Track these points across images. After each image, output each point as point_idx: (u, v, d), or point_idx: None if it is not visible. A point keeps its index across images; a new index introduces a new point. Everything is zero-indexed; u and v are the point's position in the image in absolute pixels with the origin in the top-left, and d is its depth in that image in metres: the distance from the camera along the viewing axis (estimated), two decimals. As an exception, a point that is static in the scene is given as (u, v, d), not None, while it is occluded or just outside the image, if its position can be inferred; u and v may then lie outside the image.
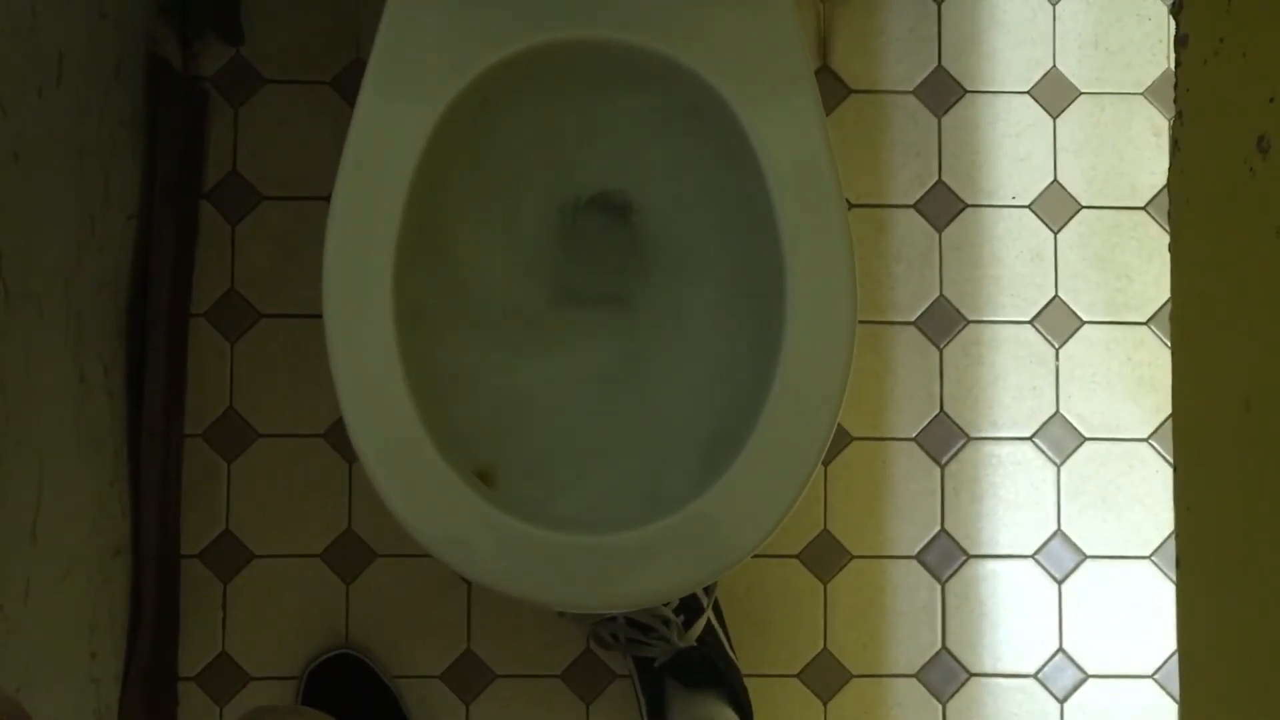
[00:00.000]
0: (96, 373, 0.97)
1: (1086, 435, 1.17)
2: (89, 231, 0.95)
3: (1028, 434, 1.17)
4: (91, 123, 0.95)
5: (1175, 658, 0.65)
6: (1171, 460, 0.69)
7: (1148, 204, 1.19)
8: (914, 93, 1.19)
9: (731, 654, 1.08)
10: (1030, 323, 1.18)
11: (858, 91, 1.19)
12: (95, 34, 0.95)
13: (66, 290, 0.91)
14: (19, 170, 0.82)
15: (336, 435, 1.13)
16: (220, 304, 1.14)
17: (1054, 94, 1.20)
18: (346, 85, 1.16)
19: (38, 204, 0.85)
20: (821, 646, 1.14)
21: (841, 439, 1.16)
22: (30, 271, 0.84)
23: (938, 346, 1.17)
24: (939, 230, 1.18)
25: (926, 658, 1.15)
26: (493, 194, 0.91)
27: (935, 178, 1.19)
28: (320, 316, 0.79)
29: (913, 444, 1.16)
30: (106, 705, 1.00)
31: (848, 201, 1.17)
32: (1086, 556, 1.16)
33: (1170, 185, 0.63)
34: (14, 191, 0.81)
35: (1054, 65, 1.20)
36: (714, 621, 1.06)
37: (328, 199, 0.81)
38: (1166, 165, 0.63)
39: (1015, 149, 1.19)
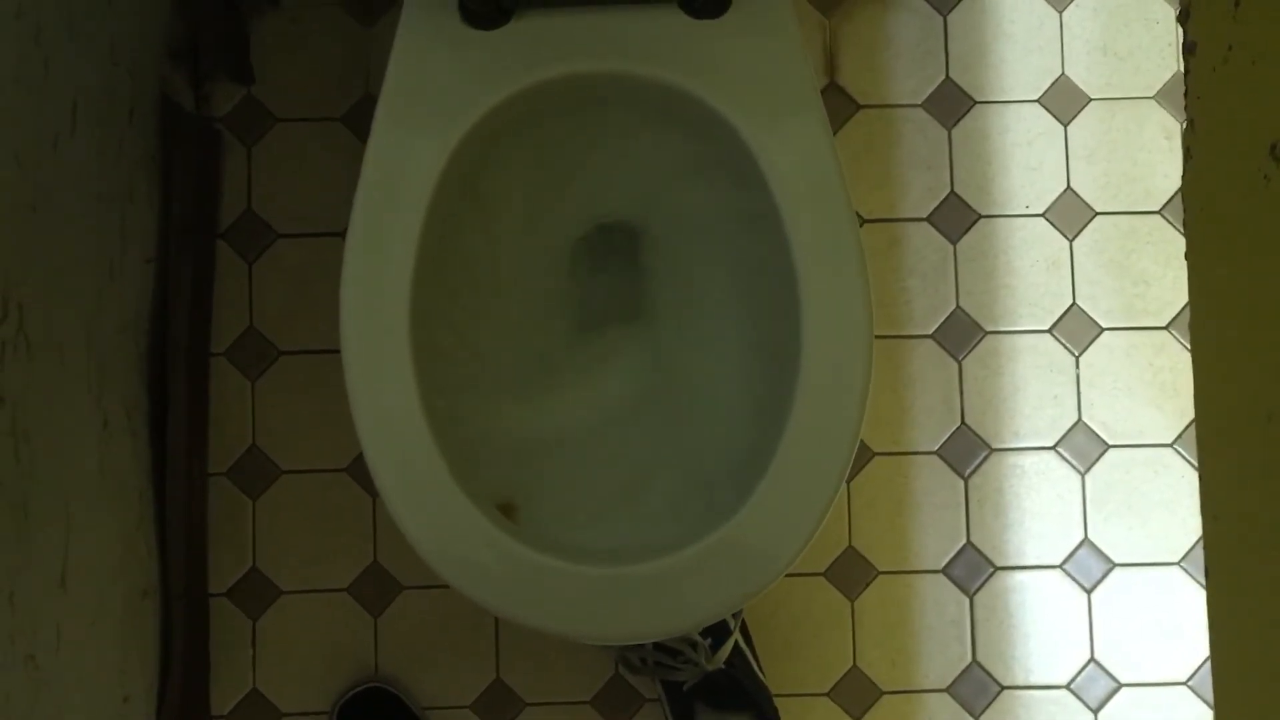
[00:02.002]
0: (119, 416, 0.98)
1: (1110, 442, 1.16)
2: (108, 277, 0.96)
3: (1050, 443, 1.16)
4: (107, 169, 0.96)
5: (1208, 664, 0.64)
6: (1197, 465, 0.69)
7: (1163, 208, 1.19)
8: (923, 105, 1.19)
9: (760, 675, 1.08)
10: (1049, 331, 1.17)
11: (866, 106, 1.19)
12: (108, 81, 0.96)
13: (87, 336, 0.91)
14: (37, 221, 0.82)
15: (359, 469, 1.14)
16: (240, 342, 1.15)
17: (1064, 101, 1.19)
18: (357, 121, 1.17)
19: (56, 253, 0.86)
20: (851, 664, 1.14)
21: (863, 455, 1.15)
22: (51, 320, 0.84)
23: (956, 359, 1.17)
24: (953, 242, 1.18)
25: (957, 672, 1.14)
26: (506, 226, 0.92)
27: (947, 190, 1.18)
28: (339, 352, 0.80)
29: (935, 457, 1.16)
30: (140, 747, 1.01)
31: (860, 217, 1.17)
32: (1115, 564, 1.15)
33: (1184, 194, 0.63)
34: (33, 242, 0.82)
35: (1063, 73, 1.20)
36: (741, 643, 1.06)
37: (343, 235, 0.81)
38: (1180, 169, 0.63)
39: (1027, 158, 1.19)
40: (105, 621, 0.94)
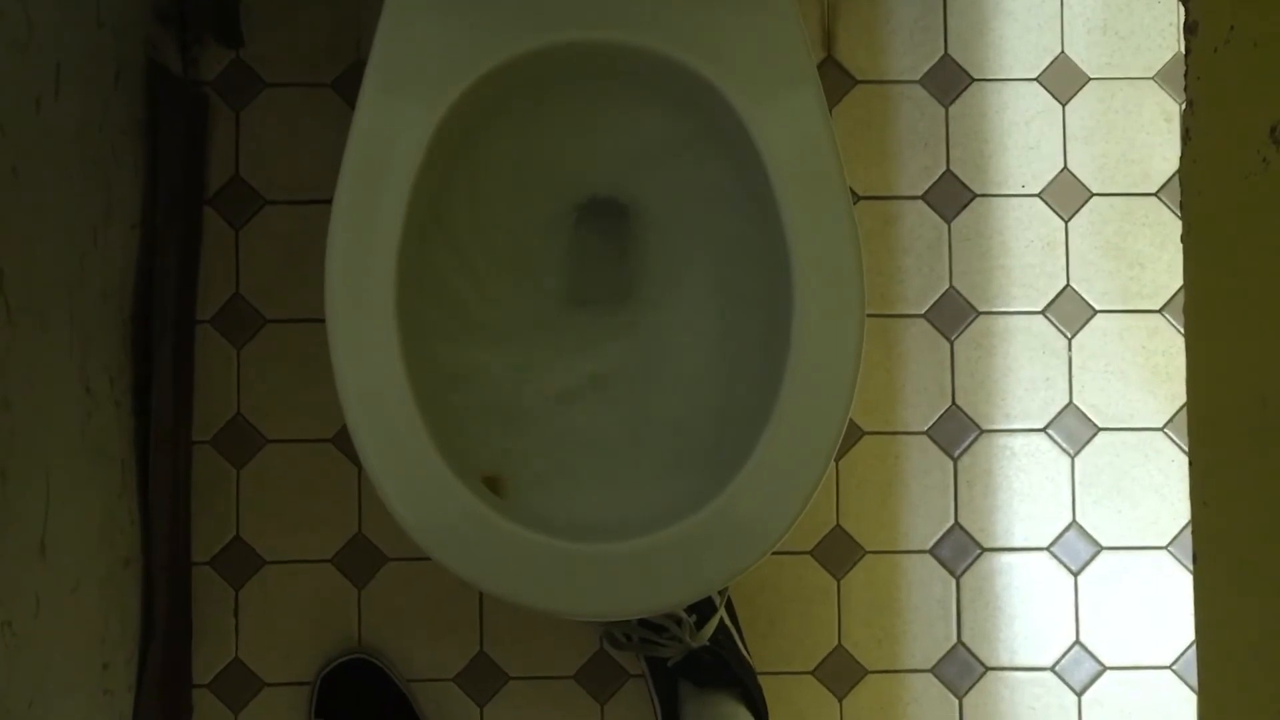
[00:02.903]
0: (103, 384, 0.97)
1: (1100, 425, 1.16)
2: (91, 243, 0.94)
3: (1041, 425, 1.16)
4: (91, 133, 0.94)
5: (1193, 648, 0.64)
6: (1187, 450, 0.68)
7: (1160, 190, 1.18)
8: (920, 82, 1.18)
9: (745, 653, 1.07)
10: (1042, 313, 1.16)
11: (864, 82, 1.18)
12: (93, 43, 0.94)
13: (70, 303, 0.90)
14: (18, 185, 0.81)
15: (344, 440, 1.13)
16: (226, 310, 1.14)
17: (1063, 80, 1.18)
18: (347, 87, 1.15)
19: (39, 218, 0.85)
20: (836, 643, 1.14)
21: (852, 434, 1.15)
22: (33, 286, 0.83)
23: (948, 339, 1.16)
24: (948, 221, 1.17)
25: (942, 652, 1.14)
26: (495, 196, 0.91)
27: (943, 168, 1.18)
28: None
29: (924, 438, 1.15)
30: (121, 716, 1.00)
31: (854, 194, 1.16)
32: (1102, 548, 1.15)
33: (1182, 176, 0.62)
34: (14, 207, 0.81)
35: (1062, 51, 1.19)
36: (727, 620, 1.06)
37: (331, 202, 0.80)
38: (1178, 151, 0.62)
39: (1024, 137, 1.18)
40: (86, 589, 0.93)
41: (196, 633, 1.11)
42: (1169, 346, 1.16)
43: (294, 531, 1.13)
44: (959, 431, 1.16)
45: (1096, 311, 1.17)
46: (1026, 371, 1.16)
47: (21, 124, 0.82)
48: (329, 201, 0.80)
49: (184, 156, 1.10)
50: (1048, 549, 1.15)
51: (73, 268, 0.91)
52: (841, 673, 1.14)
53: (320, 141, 1.15)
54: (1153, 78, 1.19)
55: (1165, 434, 1.16)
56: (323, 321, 0.79)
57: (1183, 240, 0.62)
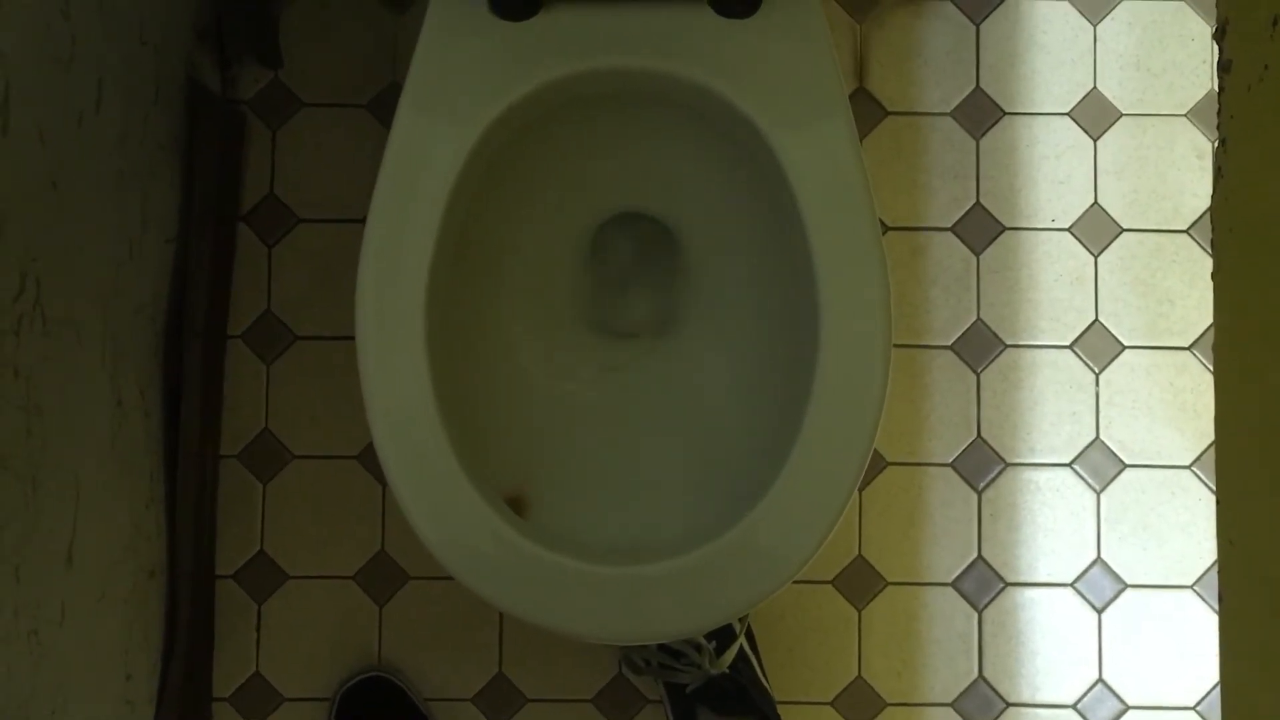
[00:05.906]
0: (133, 395, 0.98)
1: (1127, 462, 1.15)
2: (127, 256, 0.96)
3: (1067, 460, 1.15)
4: (130, 148, 0.96)
5: (1218, 689, 0.63)
6: (1214, 488, 0.68)
7: (1190, 227, 1.17)
8: (952, 114, 1.19)
9: (764, 681, 1.07)
10: (1070, 347, 1.16)
11: (895, 113, 1.18)
12: (134, 60, 0.96)
13: (104, 315, 0.91)
14: (58, 198, 0.82)
15: (370, 457, 1.13)
16: (256, 326, 1.15)
17: (1095, 116, 1.18)
18: (383, 109, 1.17)
19: (76, 230, 0.86)
20: (856, 674, 1.13)
21: (877, 464, 1.15)
22: (68, 297, 0.84)
23: (975, 371, 1.16)
24: (977, 253, 1.17)
25: (963, 687, 1.13)
26: (528, 219, 0.91)
27: (973, 200, 1.18)
28: (355, 339, 0.79)
29: (949, 469, 1.15)
30: (141, 726, 1.01)
31: (884, 224, 1.16)
32: (1127, 585, 1.14)
33: (1213, 213, 0.62)
34: (53, 219, 0.82)
35: (1095, 87, 1.19)
36: (747, 648, 1.06)
37: (364, 221, 0.81)
38: (1210, 188, 0.62)
39: (1055, 171, 1.18)
40: (111, 599, 0.94)
41: (218, 645, 1.12)
42: (1197, 384, 1.15)
43: (317, 547, 1.13)
44: (984, 464, 1.15)
45: (1125, 347, 1.16)
46: (1053, 406, 1.16)
47: (63, 138, 0.83)
48: (362, 221, 0.81)
49: (219, 173, 1.12)
50: (1071, 585, 1.14)
51: (108, 280, 0.92)
52: (861, 704, 1.13)
53: (355, 161, 1.16)
54: (1185, 114, 1.18)
55: (1192, 472, 1.15)
56: (352, 339, 0.80)
57: (1213, 278, 0.62)
